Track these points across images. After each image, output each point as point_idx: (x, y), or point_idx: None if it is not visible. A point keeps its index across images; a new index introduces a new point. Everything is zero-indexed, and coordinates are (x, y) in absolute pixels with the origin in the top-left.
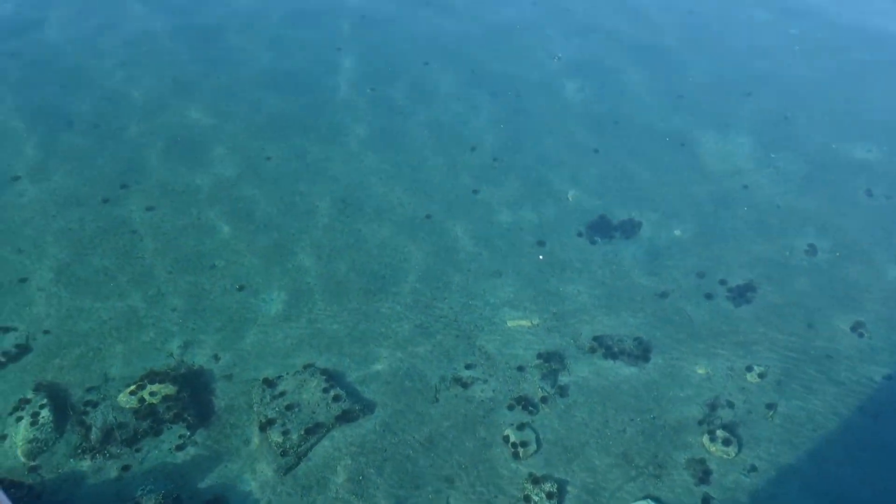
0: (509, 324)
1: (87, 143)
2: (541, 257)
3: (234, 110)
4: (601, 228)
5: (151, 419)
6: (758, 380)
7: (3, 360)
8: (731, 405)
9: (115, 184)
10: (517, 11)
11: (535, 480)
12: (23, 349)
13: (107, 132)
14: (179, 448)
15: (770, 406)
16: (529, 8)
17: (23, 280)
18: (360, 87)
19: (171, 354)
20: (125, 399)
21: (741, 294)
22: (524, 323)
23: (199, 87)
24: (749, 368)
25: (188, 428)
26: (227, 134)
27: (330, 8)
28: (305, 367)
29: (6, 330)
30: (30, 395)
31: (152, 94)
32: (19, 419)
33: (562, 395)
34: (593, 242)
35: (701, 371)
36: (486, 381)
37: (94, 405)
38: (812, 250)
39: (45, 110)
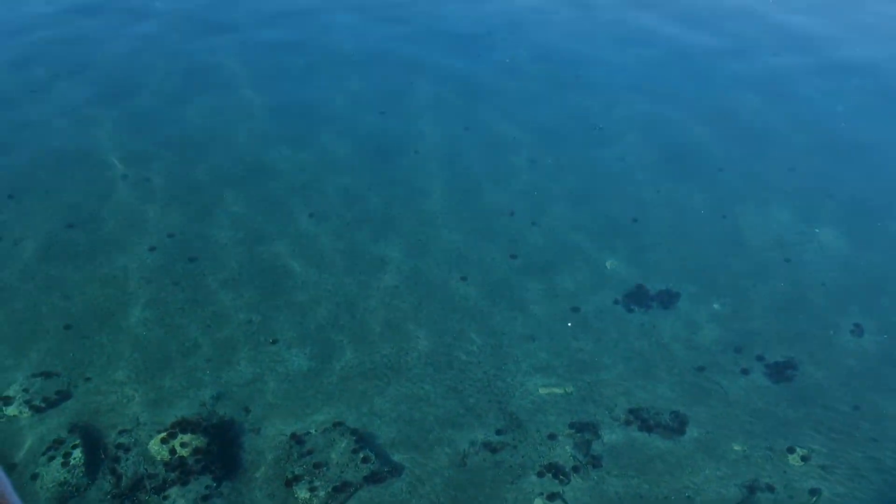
0: (542, 391)
1: (160, 188)
2: (569, 324)
3: (309, 168)
4: (638, 298)
5: (180, 470)
6: (801, 462)
7: (42, 405)
8: (770, 489)
9: (163, 234)
10: (562, 82)
11: None
12: (63, 395)
13: (182, 186)
14: (205, 499)
15: (813, 492)
16: (571, 79)
17: (67, 327)
18: (407, 149)
19: (204, 404)
20: (156, 448)
21: (780, 371)
22: (557, 390)
23: (278, 147)
24: (791, 450)
25: (214, 480)
26: (299, 189)
27: (408, 84)
28: (335, 424)
29: (49, 375)
30: (64, 436)
31: (233, 152)
32: (51, 458)
33: (594, 466)
34: (630, 311)
35: (738, 448)
36: (515, 448)
37: (126, 449)
38: (858, 330)
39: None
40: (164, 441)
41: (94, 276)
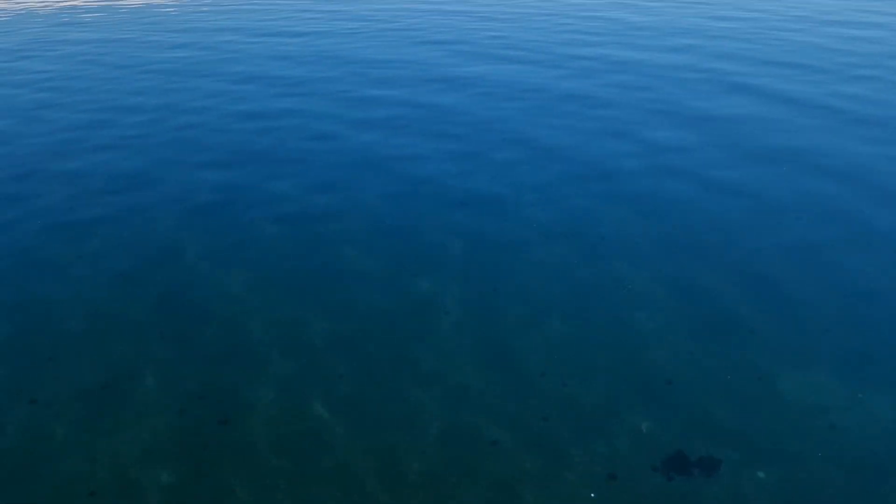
0: None
1: (200, 361)
2: (592, 495)
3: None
4: (678, 465)
5: None
6: None
7: None
8: None
9: (194, 395)
10: (587, 245)
11: None
12: None
13: (222, 349)
14: None
15: None
16: (599, 241)
17: (92, 494)
18: (438, 307)
19: None
20: None
21: None
22: None
23: (309, 321)
24: None
25: None
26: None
27: (431, 256)
28: None
29: None
30: None
31: (267, 322)
32: None
33: None
34: (670, 480)
35: None
36: None
37: None
38: None
39: (167, 338)
40: None
41: (121, 439)
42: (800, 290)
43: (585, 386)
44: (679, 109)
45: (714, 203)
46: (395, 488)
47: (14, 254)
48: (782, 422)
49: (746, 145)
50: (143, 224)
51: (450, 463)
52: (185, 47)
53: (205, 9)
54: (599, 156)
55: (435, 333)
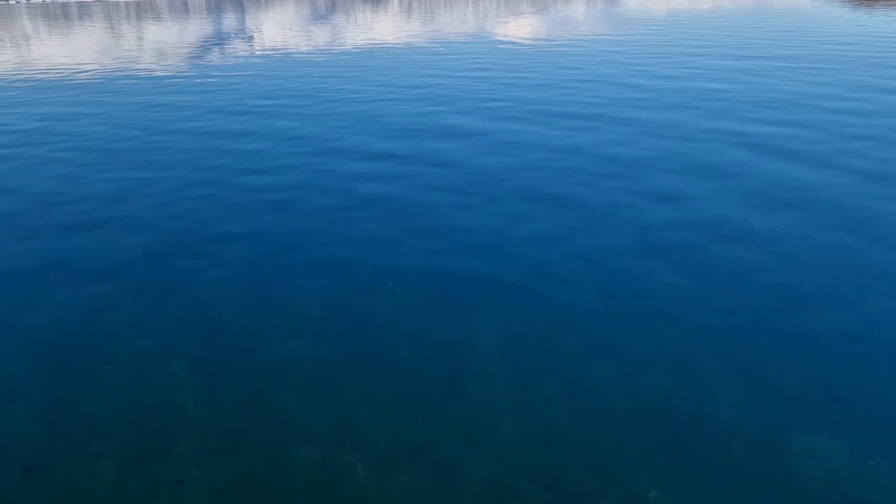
0: None
1: (230, 422)
2: None
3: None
4: None
5: None
6: None
7: None
8: None
9: (192, 465)
10: (614, 306)
11: None
12: None
13: (253, 408)
14: None
15: None
16: (629, 300)
17: None
18: (468, 364)
19: None
20: None
21: None
22: None
23: (342, 374)
24: None
25: None
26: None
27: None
28: None
29: None
30: None
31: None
32: None
33: None
34: None
35: None
36: None
37: None
38: None
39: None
40: None
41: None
42: (801, 356)
43: (588, 451)
44: (713, 172)
45: (743, 260)
46: None
47: (46, 323)
48: (794, 492)
49: (777, 206)
50: (175, 289)
51: None
52: (214, 112)
53: (227, 76)
54: (633, 217)
55: (463, 391)
